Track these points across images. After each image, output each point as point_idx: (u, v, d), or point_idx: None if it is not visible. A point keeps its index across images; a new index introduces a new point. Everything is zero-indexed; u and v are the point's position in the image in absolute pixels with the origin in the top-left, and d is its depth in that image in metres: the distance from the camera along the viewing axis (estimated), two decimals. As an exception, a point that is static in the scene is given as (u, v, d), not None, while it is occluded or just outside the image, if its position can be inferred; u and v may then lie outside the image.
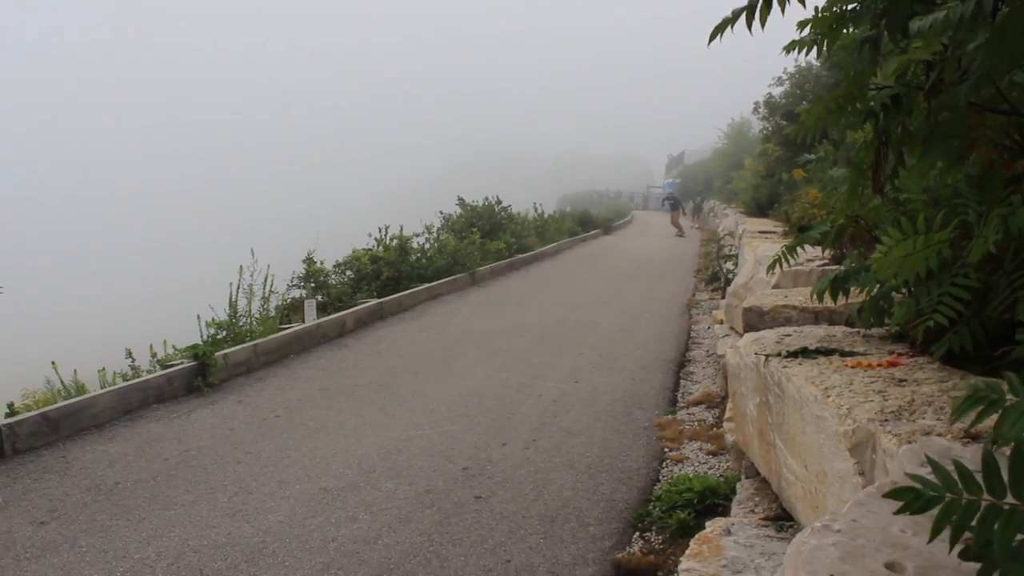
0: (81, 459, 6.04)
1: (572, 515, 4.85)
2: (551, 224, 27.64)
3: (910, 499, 1.16)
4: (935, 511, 1.15)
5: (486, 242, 18.82)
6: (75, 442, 6.44)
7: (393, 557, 4.32)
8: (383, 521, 4.78)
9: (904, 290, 3.18)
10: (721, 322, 8.67)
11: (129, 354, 8.53)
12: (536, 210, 27.69)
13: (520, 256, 20.29)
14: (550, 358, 9.29)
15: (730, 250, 15.06)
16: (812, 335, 3.83)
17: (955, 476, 1.18)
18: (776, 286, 6.23)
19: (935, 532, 1.16)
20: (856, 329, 3.89)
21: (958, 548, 1.17)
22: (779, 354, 3.43)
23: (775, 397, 3.33)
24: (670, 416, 6.91)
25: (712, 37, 2.79)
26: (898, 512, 1.18)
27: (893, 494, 1.18)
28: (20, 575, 4.22)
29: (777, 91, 20.03)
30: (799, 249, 3.87)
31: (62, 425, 6.59)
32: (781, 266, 3.80)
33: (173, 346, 8.75)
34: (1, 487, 5.46)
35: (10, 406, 6.84)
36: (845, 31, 2.82)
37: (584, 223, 33.01)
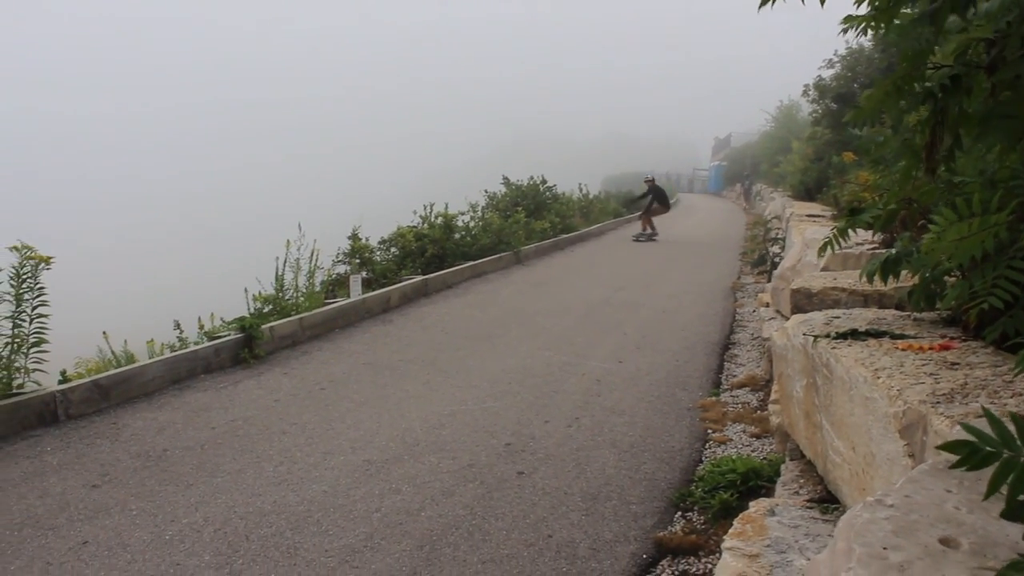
0: (131, 426, 6.15)
1: (614, 493, 4.86)
2: (596, 205, 27.58)
3: (966, 454, 1.15)
4: (991, 470, 1.15)
5: (531, 221, 18.82)
6: (125, 409, 6.56)
7: (436, 529, 4.36)
8: (426, 494, 4.82)
9: (957, 273, 3.14)
10: (767, 305, 8.61)
11: (177, 325, 8.66)
12: (581, 191, 27.62)
13: (564, 236, 20.28)
14: (593, 337, 9.28)
15: (777, 233, 14.93)
16: (861, 317, 3.80)
17: (1014, 433, 1.17)
18: (824, 269, 6.17)
19: (991, 490, 1.15)
20: (906, 312, 3.85)
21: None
22: (828, 335, 3.41)
23: (823, 379, 3.31)
24: (714, 398, 6.88)
25: (763, 2, 2.76)
26: (954, 466, 1.17)
27: (949, 447, 1.17)
28: (74, 534, 4.32)
29: (827, 73, 19.69)
30: (850, 232, 3.83)
31: (113, 393, 6.71)
32: (832, 248, 3.76)
33: (221, 319, 8.86)
34: (55, 450, 5.59)
35: (63, 373, 6.98)
36: (904, 10, 2.78)
37: (629, 204, 32.82)
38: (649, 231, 22.54)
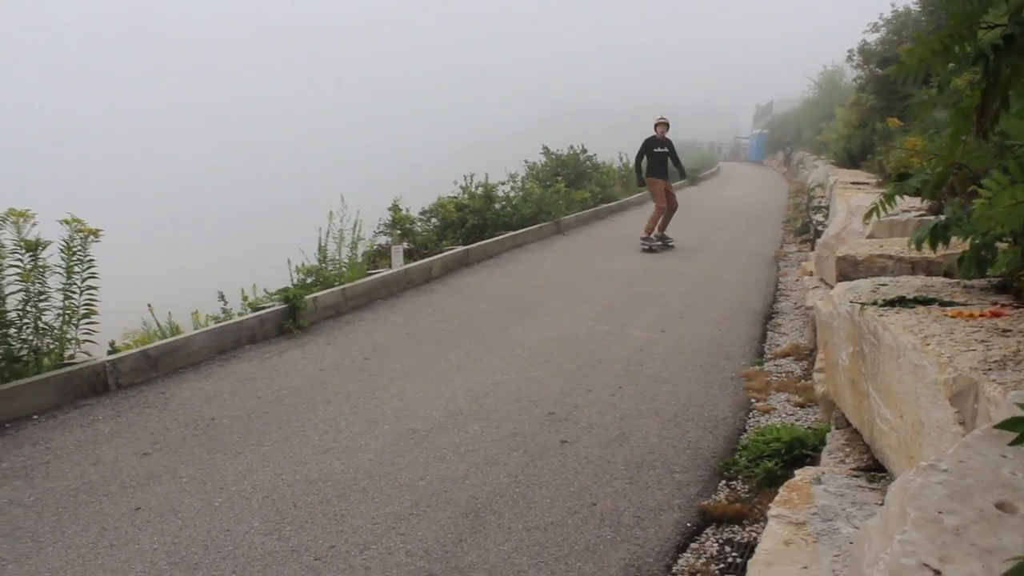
0: (179, 395, 6.25)
1: (658, 461, 4.87)
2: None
3: (1024, 431, 1.14)
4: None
5: (571, 191, 18.73)
6: (173, 379, 6.67)
7: (480, 497, 4.39)
8: (470, 462, 4.86)
9: (1008, 239, 3.09)
10: (811, 274, 8.54)
11: (222, 297, 8.75)
12: (621, 160, 27.42)
13: (605, 205, 20.20)
14: (635, 307, 9.27)
15: (820, 202, 14.75)
16: (909, 285, 3.75)
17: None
18: (870, 236, 6.10)
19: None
20: (955, 280, 3.80)
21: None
22: (875, 303, 3.38)
23: (870, 346, 3.28)
24: (757, 367, 6.85)
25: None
26: (1013, 443, 1.16)
27: (1007, 425, 1.16)
28: (127, 500, 4.42)
29: (872, 38, 19.32)
30: (897, 198, 3.78)
31: (161, 363, 6.81)
32: (879, 213, 3.71)
33: (264, 290, 8.94)
34: (107, 419, 5.70)
35: (112, 344, 7.10)
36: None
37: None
38: (657, 233, 14.53)
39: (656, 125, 15.10)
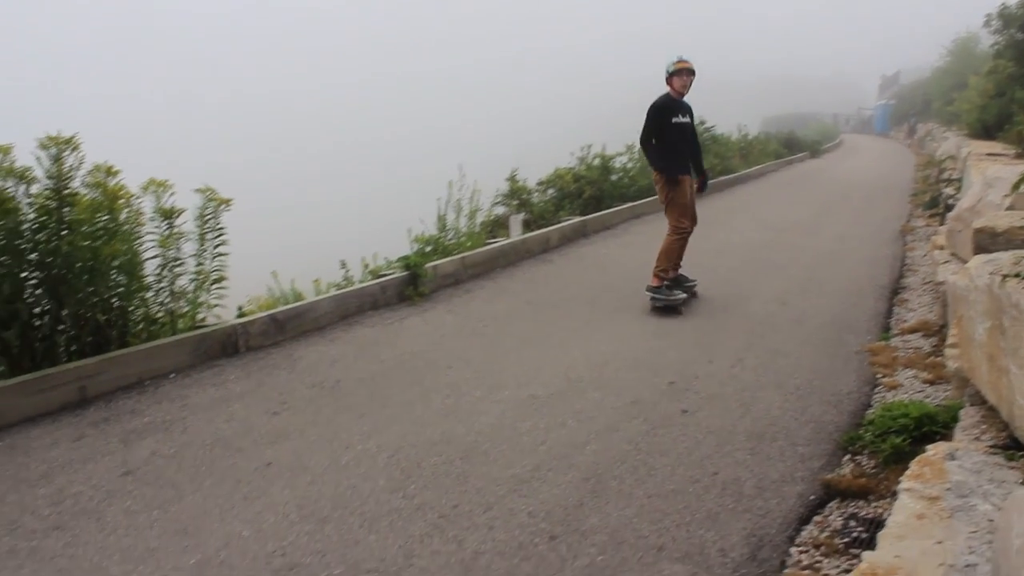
0: (305, 358, 6.44)
1: (780, 434, 4.80)
2: (755, 146, 26.89)
3: None
4: None
5: (689, 163, 18.51)
6: (299, 342, 6.87)
7: (601, 462, 4.41)
8: (591, 428, 4.88)
9: None
10: (941, 248, 8.27)
11: (343, 264, 8.95)
12: (740, 132, 26.95)
13: (724, 178, 19.88)
14: (756, 279, 9.14)
15: (951, 174, 14.22)
16: (1055, 257, 3.61)
17: None
18: (1010, 208, 5.88)
19: None
20: (1106, 252, 3.64)
21: None
22: (1018, 275, 3.26)
23: (1011, 320, 3.18)
24: (883, 342, 6.67)
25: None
26: None
27: None
28: (259, 456, 4.59)
29: (1013, 0, 18.38)
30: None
31: (287, 327, 7.03)
32: (1026, 182, 3.57)
33: (385, 258, 9.10)
34: (238, 380, 5.92)
35: (240, 308, 7.35)
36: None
37: (790, 145, 31.94)
38: (674, 274, 8.20)
39: (672, 76, 8.32)
